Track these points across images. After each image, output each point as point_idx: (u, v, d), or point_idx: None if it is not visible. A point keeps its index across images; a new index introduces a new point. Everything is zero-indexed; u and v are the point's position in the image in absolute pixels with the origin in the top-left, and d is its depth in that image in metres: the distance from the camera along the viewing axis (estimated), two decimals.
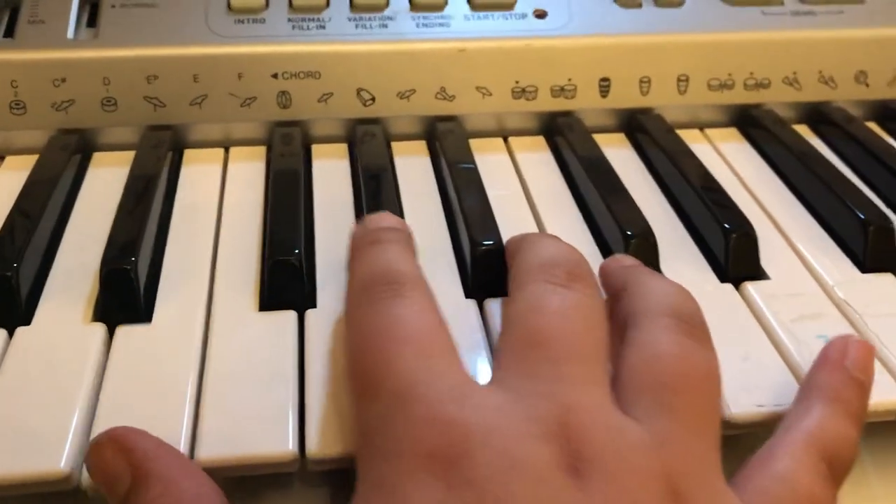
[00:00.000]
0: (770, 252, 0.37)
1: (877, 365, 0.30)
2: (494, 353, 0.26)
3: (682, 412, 0.23)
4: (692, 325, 0.26)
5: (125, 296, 0.32)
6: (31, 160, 0.40)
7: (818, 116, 0.47)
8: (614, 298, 0.29)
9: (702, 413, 0.24)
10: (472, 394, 0.22)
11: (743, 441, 0.27)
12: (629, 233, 0.35)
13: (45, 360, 0.29)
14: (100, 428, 0.27)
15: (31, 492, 0.26)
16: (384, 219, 0.32)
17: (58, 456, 0.26)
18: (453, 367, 0.24)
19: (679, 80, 0.45)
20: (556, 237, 0.31)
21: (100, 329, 0.31)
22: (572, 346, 0.24)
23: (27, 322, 0.31)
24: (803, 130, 0.47)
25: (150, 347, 0.30)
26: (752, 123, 0.46)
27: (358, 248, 0.30)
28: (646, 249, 0.35)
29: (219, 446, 0.26)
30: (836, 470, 0.25)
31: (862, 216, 0.37)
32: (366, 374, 0.24)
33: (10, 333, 0.31)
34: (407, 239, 0.31)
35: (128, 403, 0.28)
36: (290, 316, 0.32)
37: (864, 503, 0.29)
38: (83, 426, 0.27)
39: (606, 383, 0.24)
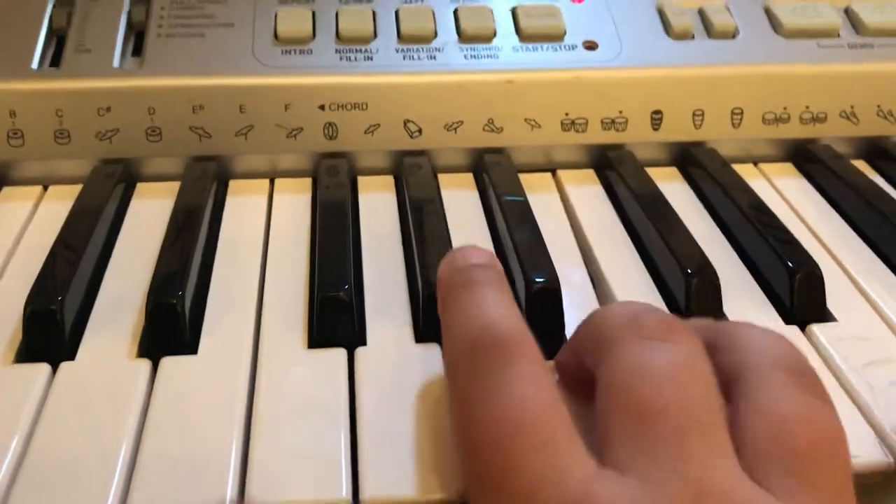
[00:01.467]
0: (835, 292, 0.35)
1: None
2: (597, 423, 0.23)
3: (819, 483, 0.22)
4: (809, 379, 0.24)
5: (171, 330, 0.31)
6: (74, 190, 0.40)
7: (876, 151, 0.46)
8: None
9: (837, 482, 0.23)
10: (602, 491, 0.21)
11: None
12: (690, 271, 0.34)
13: (89, 396, 0.29)
14: (143, 464, 0.26)
15: None
16: (473, 254, 0.29)
17: (105, 494, 0.25)
18: (578, 457, 0.22)
19: (733, 113, 0.44)
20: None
21: (145, 365, 0.30)
22: (691, 414, 0.22)
23: (72, 357, 0.31)
24: (861, 166, 0.45)
25: (196, 380, 0.29)
26: (808, 158, 0.45)
27: (449, 292, 0.28)
28: (708, 288, 0.33)
29: (270, 487, 0.25)
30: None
31: None
32: (485, 473, 0.22)
33: (55, 368, 0.30)
34: (500, 278, 0.28)
35: (174, 437, 0.27)
36: (341, 354, 0.31)
37: None
38: (129, 464, 0.26)
39: (733, 453, 0.22)
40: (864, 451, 0.28)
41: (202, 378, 0.30)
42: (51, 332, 0.31)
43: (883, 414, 0.29)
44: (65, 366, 0.30)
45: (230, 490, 0.25)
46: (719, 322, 0.28)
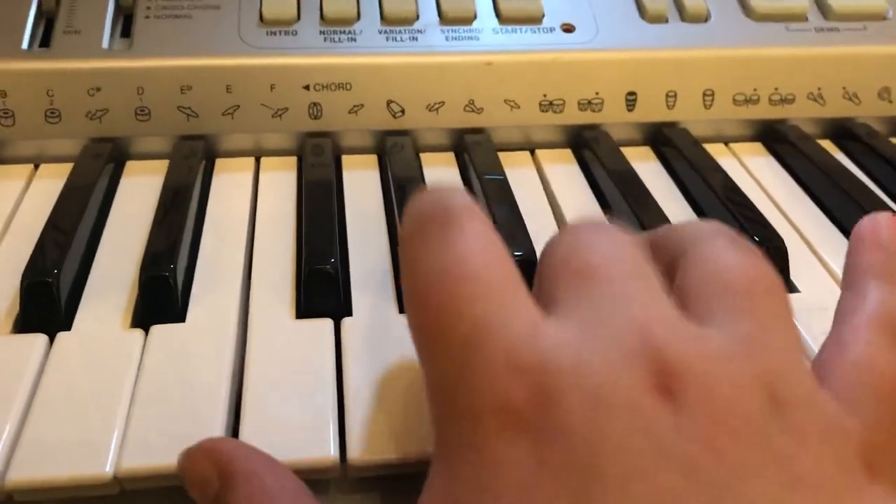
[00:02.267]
0: (798, 266, 0.37)
1: None
2: (540, 291, 0.24)
3: (760, 313, 0.22)
4: (748, 245, 0.25)
5: (164, 301, 0.32)
6: (65, 168, 0.41)
7: (842, 132, 0.48)
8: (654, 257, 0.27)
9: (779, 313, 0.23)
10: (548, 332, 0.21)
11: None
12: None
13: (86, 364, 0.30)
14: (134, 424, 0.27)
15: (77, 495, 0.26)
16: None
17: (103, 459, 0.26)
18: (523, 303, 0.22)
19: (705, 94, 0.46)
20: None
21: (139, 335, 0.31)
22: (627, 265, 0.23)
23: (68, 327, 0.32)
24: (827, 146, 0.47)
25: (185, 346, 0.31)
26: (777, 138, 0.47)
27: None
28: None
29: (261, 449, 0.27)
30: None
31: None
32: (432, 323, 0.22)
33: (52, 338, 0.31)
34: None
35: (165, 400, 0.28)
36: (327, 324, 0.32)
37: None
38: (124, 428, 0.27)
39: (671, 300, 0.22)
40: None
41: (191, 345, 0.31)
42: (47, 304, 0.32)
43: None
44: (61, 336, 0.31)
45: None
46: (663, 228, 0.29)
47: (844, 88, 0.47)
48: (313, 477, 0.27)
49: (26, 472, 0.26)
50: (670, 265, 0.25)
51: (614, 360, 0.20)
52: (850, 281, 0.27)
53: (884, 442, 0.22)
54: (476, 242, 0.23)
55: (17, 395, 0.28)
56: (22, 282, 0.32)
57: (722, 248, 0.24)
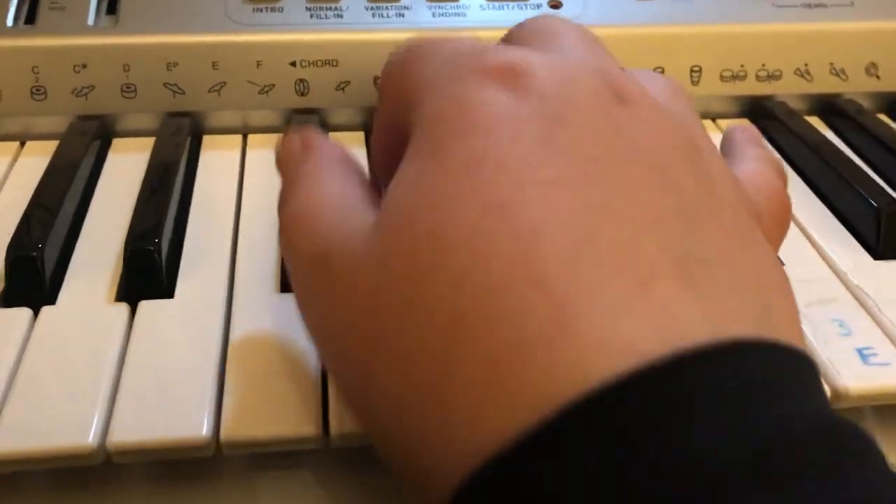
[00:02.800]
0: (785, 239, 0.37)
1: (890, 346, 0.31)
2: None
3: (683, 99, 0.27)
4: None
5: (149, 276, 0.32)
6: (50, 146, 0.41)
7: (829, 108, 0.48)
8: None
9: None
10: (518, 48, 0.24)
11: None
12: None
13: (70, 337, 0.30)
14: (124, 396, 0.27)
15: (60, 466, 0.26)
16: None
17: (85, 431, 0.26)
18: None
19: (692, 70, 0.46)
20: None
21: (124, 309, 0.31)
22: (582, 33, 0.27)
23: (52, 302, 0.32)
24: (814, 122, 0.47)
25: (172, 322, 0.31)
26: (764, 114, 0.47)
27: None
28: None
29: (245, 424, 0.27)
30: (786, 185, 0.30)
31: (875, 204, 0.37)
32: (413, 50, 0.26)
33: (36, 313, 0.31)
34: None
35: (152, 375, 0.28)
36: None
37: None
38: (108, 402, 0.27)
39: None
40: None
41: (179, 320, 0.31)
42: (31, 279, 0.32)
43: (822, 348, 0.30)
44: (46, 310, 0.31)
45: (206, 425, 0.27)
46: None
47: (832, 64, 0.47)
48: (297, 447, 0.27)
49: (8, 444, 0.26)
50: None
51: (579, 67, 0.23)
52: (731, 146, 0.32)
53: (769, 225, 0.27)
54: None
55: (1, 368, 0.28)
56: (6, 256, 0.32)
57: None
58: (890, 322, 0.32)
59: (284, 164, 0.28)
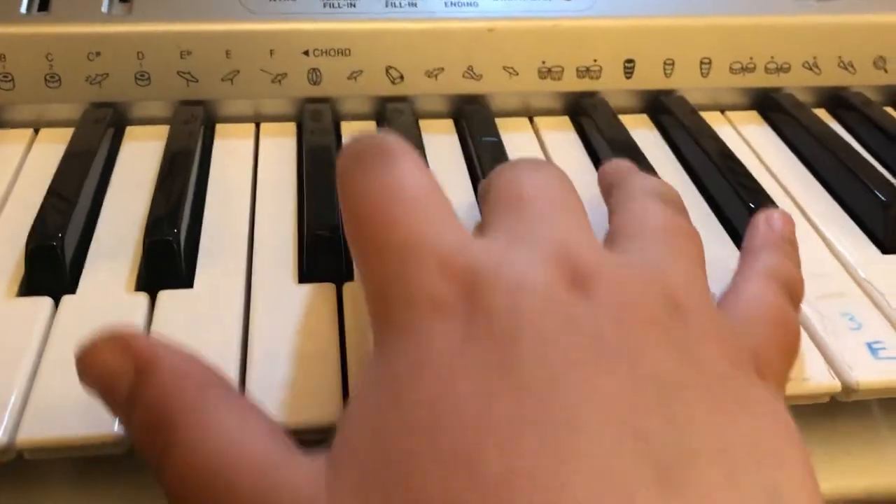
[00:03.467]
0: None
1: None
2: (481, 218, 0.28)
3: (671, 245, 0.25)
4: (677, 204, 0.29)
5: (168, 265, 0.33)
6: (65, 133, 0.41)
7: (837, 101, 0.48)
8: (605, 197, 0.33)
9: (689, 250, 0.26)
10: (476, 243, 0.24)
11: None
12: None
13: (91, 326, 0.30)
14: None
15: (85, 454, 0.27)
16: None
17: (111, 420, 0.26)
18: (455, 225, 0.24)
19: (702, 62, 0.46)
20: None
21: (143, 298, 0.32)
22: (556, 200, 0.26)
23: (73, 291, 0.32)
24: (822, 114, 0.47)
25: (193, 312, 0.31)
26: (772, 107, 0.47)
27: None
28: None
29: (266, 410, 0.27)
30: (794, 297, 0.29)
31: (884, 198, 0.38)
32: (372, 235, 0.24)
33: (56, 301, 0.31)
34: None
35: None
36: (329, 289, 0.32)
37: (881, 476, 0.31)
38: None
39: (592, 231, 0.25)
40: (815, 375, 0.30)
41: (199, 310, 0.31)
42: (52, 268, 0.32)
43: (832, 341, 0.31)
44: (66, 299, 0.31)
45: None
46: (623, 171, 0.33)
47: (840, 57, 0.47)
48: (316, 437, 0.28)
49: (36, 432, 0.26)
50: (612, 210, 0.30)
51: (534, 261, 0.22)
52: (746, 254, 0.31)
53: (772, 358, 0.25)
54: (412, 171, 0.25)
55: (25, 356, 0.29)
56: (27, 245, 0.32)
57: (651, 205, 0.28)
58: None
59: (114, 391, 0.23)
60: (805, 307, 0.33)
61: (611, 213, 0.30)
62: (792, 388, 0.29)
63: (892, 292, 0.34)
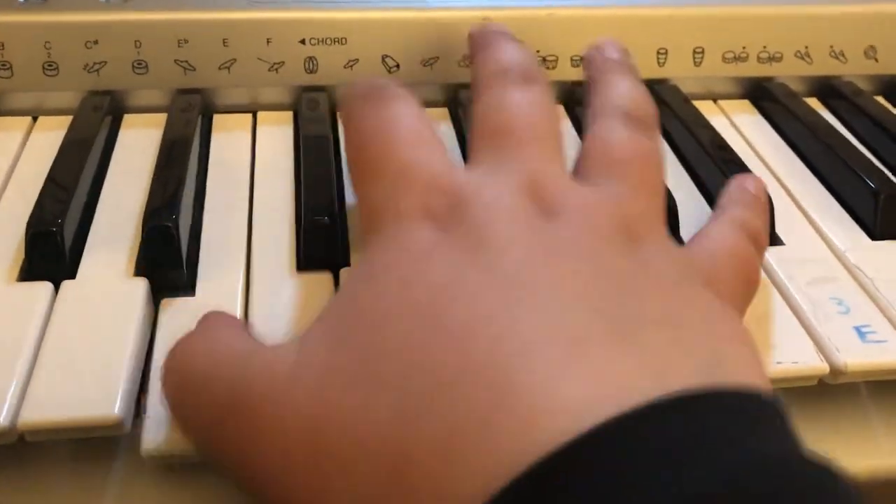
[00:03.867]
0: (784, 219, 0.38)
1: (887, 324, 0.32)
2: (467, 147, 0.30)
3: (633, 179, 0.27)
4: (645, 120, 0.31)
5: (167, 251, 0.33)
6: (62, 121, 0.41)
7: (828, 90, 0.49)
8: (586, 89, 0.34)
9: (650, 181, 0.28)
10: (461, 172, 0.27)
11: None
12: None
13: (91, 311, 0.31)
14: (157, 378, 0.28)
15: (84, 436, 0.27)
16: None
17: (111, 403, 0.27)
18: (444, 156, 0.27)
19: (695, 52, 0.46)
20: (510, 38, 0.34)
21: (142, 283, 0.32)
22: (533, 130, 0.28)
23: (72, 276, 0.32)
24: (813, 103, 0.48)
25: (195, 301, 0.32)
26: (764, 96, 0.48)
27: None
28: (667, 216, 0.36)
29: None
30: (759, 247, 0.31)
31: (873, 185, 0.38)
32: (370, 161, 0.28)
33: (56, 286, 0.32)
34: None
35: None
36: (326, 276, 0.33)
37: (871, 458, 0.31)
38: (134, 373, 0.28)
39: (564, 161, 0.28)
40: (804, 358, 0.30)
41: (201, 298, 0.32)
42: (52, 253, 0.33)
43: (821, 325, 0.32)
44: (66, 283, 0.32)
45: None
46: (606, 65, 0.35)
47: (831, 47, 0.48)
48: None
49: (37, 414, 0.27)
50: (590, 113, 0.32)
51: (509, 188, 0.25)
52: (716, 207, 0.33)
53: (726, 280, 0.28)
54: (408, 109, 0.29)
55: (26, 340, 0.29)
56: (27, 231, 0.33)
57: (619, 125, 0.30)
58: (887, 301, 0.33)
59: None
60: (795, 292, 0.33)
61: (584, 125, 0.32)
62: (781, 371, 0.30)
63: (881, 277, 0.34)
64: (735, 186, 0.34)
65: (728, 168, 0.39)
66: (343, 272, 0.33)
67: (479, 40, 0.35)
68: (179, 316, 0.31)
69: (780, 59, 0.47)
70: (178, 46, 0.42)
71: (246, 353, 0.24)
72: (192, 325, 0.28)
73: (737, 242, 0.30)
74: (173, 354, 0.26)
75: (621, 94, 0.32)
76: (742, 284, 0.29)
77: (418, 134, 0.28)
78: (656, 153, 0.30)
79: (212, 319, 0.27)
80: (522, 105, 0.29)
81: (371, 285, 0.23)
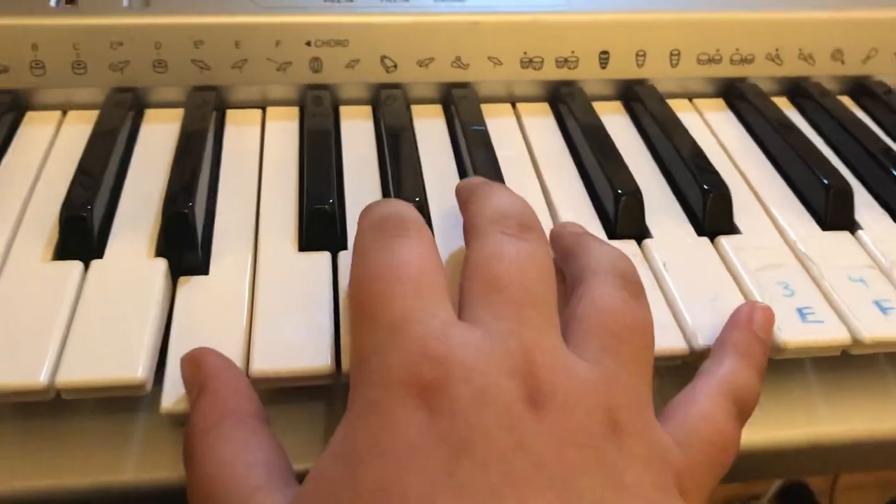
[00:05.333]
0: (743, 210, 0.42)
1: (826, 307, 0.35)
2: (460, 292, 0.29)
3: (624, 355, 0.28)
4: (633, 283, 0.31)
5: (184, 234, 0.37)
6: (90, 115, 0.45)
7: (797, 90, 0.52)
8: (562, 260, 0.34)
9: (640, 357, 0.29)
10: (456, 333, 0.26)
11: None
12: (619, 191, 0.40)
13: (117, 287, 0.35)
14: (175, 346, 0.32)
15: (111, 395, 0.31)
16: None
17: (135, 365, 0.31)
18: (443, 307, 0.27)
19: (672, 54, 0.50)
20: (505, 187, 0.35)
21: (162, 263, 0.36)
22: (529, 291, 0.28)
23: (100, 256, 0.36)
24: (783, 103, 0.51)
25: (207, 281, 0.36)
26: (736, 95, 0.51)
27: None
28: (634, 206, 0.40)
29: (269, 362, 0.32)
30: (743, 412, 0.30)
31: (825, 181, 0.42)
32: (368, 304, 0.28)
33: (86, 265, 0.36)
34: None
35: (194, 327, 0.33)
36: (325, 256, 0.37)
37: (812, 426, 0.35)
38: (155, 341, 0.32)
39: (559, 326, 0.28)
40: None
41: (213, 274, 0.36)
42: (82, 236, 0.37)
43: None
44: (95, 263, 0.36)
45: (239, 363, 0.32)
46: (579, 237, 0.34)
47: (800, 49, 0.51)
48: (314, 383, 0.32)
49: (72, 374, 0.31)
50: (572, 276, 0.32)
51: (501, 369, 0.25)
52: (716, 350, 0.33)
53: (699, 477, 0.28)
54: (418, 251, 0.29)
55: (60, 312, 0.33)
56: (60, 216, 0.37)
57: (609, 288, 0.30)
58: (829, 285, 0.36)
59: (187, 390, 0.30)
60: (745, 276, 0.37)
61: (571, 283, 0.32)
62: None
63: (826, 264, 0.38)
64: (739, 322, 0.33)
65: (693, 161, 0.43)
66: (341, 256, 0.37)
67: (472, 188, 0.35)
68: (195, 293, 0.35)
69: (751, 61, 0.51)
70: (195, 47, 0.46)
71: (246, 493, 0.26)
72: (206, 302, 0.32)
73: (722, 427, 0.29)
74: (195, 459, 0.27)
75: (608, 257, 0.32)
76: (715, 477, 0.29)
77: (420, 282, 0.28)
78: (649, 323, 0.30)
79: (231, 405, 0.29)
80: (520, 257, 0.29)
81: (349, 484, 0.24)
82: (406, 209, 0.31)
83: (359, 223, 0.32)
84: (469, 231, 0.32)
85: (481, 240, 0.30)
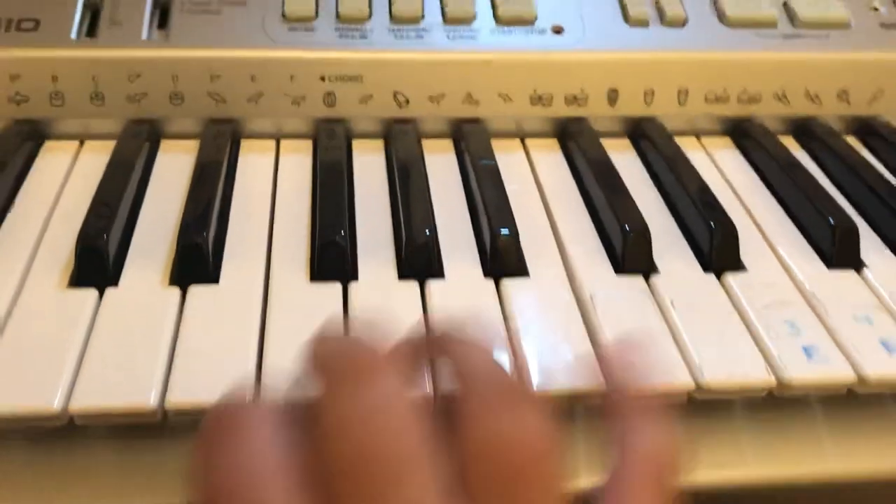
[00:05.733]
0: (750, 248, 0.42)
1: (832, 345, 0.36)
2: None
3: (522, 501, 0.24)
4: (520, 396, 0.26)
5: (198, 264, 0.38)
6: (107, 145, 0.46)
7: (803, 130, 0.53)
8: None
9: (539, 498, 0.24)
10: None
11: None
12: (627, 228, 0.40)
13: (131, 316, 0.35)
14: (179, 369, 0.32)
15: (125, 422, 0.32)
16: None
17: (147, 393, 0.31)
18: (424, 480, 0.23)
19: (679, 92, 0.51)
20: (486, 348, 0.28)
21: (176, 292, 0.36)
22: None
23: (115, 284, 0.37)
24: (789, 142, 0.52)
25: (218, 304, 0.36)
26: (743, 134, 0.52)
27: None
28: (641, 243, 0.40)
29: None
30: (670, 485, 0.27)
31: (832, 220, 0.42)
32: (343, 474, 0.23)
33: (101, 293, 0.36)
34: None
35: (202, 349, 0.34)
36: (336, 287, 0.37)
37: (818, 463, 0.35)
38: (165, 370, 0.33)
39: (436, 488, 0.23)
40: (755, 372, 0.34)
41: (224, 302, 0.36)
42: (97, 264, 0.37)
43: (773, 344, 0.35)
44: (110, 291, 0.36)
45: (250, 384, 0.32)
46: (444, 338, 0.28)
47: (807, 89, 0.52)
48: None
49: (86, 401, 0.31)
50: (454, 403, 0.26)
51: None
52: (620, 420, 0.28)
53: None
54: (388, 401, 0.24)
55: (75, 338, 0.34)
56: (76, 245, 0.38)
57: (492, 414, 0.25)
58: (835, 324, 0.37)
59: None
60: (752, 314, 0.37)
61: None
62: (734, 384, 0.34)
63: (832, 303, 0.38)
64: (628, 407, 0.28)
65: (699, 198, 0.43)
66: (352, 287, 0.37)
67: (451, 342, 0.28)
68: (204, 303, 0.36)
69: (758, 100, 0.52)
70: (211, 81, 0.47)
71: None
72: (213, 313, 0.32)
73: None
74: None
75: (483, 369, 0.26)
76: None
77: (399, 454, 0.23)
78: (541, 440, 0.25)
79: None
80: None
81: None
82: (365, 348, 0.26)
83: (314, 357, 0.26)
84: (461, 399, 0.26)
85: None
